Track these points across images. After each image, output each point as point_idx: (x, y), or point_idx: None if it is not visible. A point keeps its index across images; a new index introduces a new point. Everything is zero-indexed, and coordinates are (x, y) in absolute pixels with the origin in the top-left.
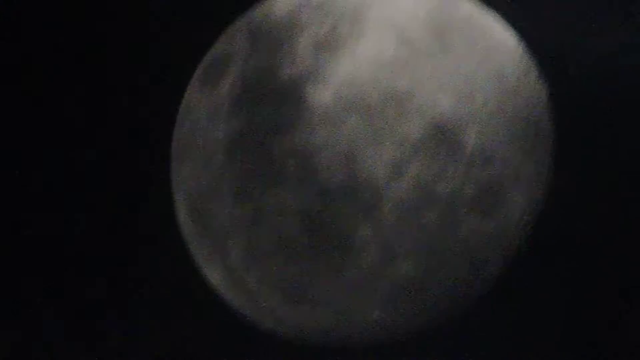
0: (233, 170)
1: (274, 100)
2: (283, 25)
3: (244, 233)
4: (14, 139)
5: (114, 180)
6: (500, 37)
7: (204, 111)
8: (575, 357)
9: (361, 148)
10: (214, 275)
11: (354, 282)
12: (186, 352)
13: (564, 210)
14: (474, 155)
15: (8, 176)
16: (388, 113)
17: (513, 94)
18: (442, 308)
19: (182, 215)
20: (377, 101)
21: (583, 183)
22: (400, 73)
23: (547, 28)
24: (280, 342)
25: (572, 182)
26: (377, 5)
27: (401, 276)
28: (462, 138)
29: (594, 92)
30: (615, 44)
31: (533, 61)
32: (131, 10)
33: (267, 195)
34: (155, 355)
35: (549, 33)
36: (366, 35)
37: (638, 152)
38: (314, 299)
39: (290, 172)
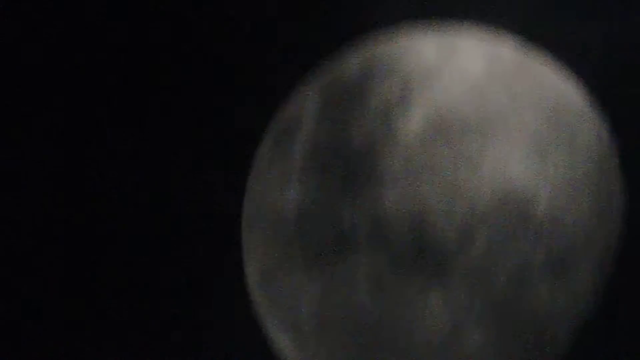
0: (303, 238)
1: (344, 166)
2: (354, 88)
3: (314, 303)
4: None
5: (187, 247)
6: (572, 98)
7: (274, 177)
8: None
9: (432, 212)
10: (284, 346)
11: (423, 350)
12: None
13: (635, 279)
14: (544, 224)
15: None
16: (459, 176)
17: (584, 159)
18: None
19: (252, 280)
20: (447, 164)
21: None
22: (470, 136)
23: (621, 89)
24: None
25: None
26: (450, 64)
27: (469, 346)
28: (532, 205)
29: None
30: None
31: (605, 124)
32: (198, 75)
33: (338, 263)
34: None
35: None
36: (436, 95)
37: None
38: None
39: (361, 240)
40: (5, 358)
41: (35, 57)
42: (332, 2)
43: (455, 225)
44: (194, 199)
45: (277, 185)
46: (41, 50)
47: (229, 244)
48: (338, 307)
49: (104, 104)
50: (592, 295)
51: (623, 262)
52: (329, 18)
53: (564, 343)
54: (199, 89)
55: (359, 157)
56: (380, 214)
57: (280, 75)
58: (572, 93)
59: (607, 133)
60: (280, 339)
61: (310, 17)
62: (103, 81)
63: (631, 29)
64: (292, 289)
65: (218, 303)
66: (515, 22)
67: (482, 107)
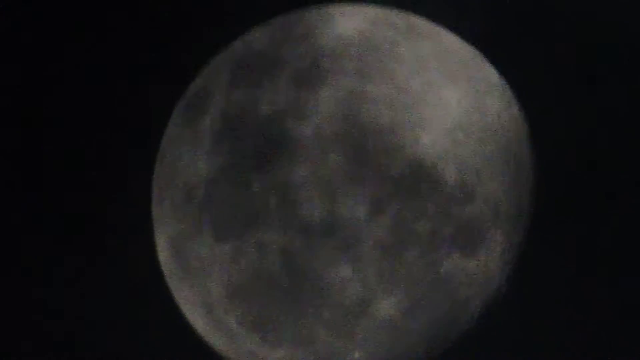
0: (214, 207)
1: (254, 137)
2: (264, 60)
3: (224, 271)
4: None
5: (94, 219)
6: (481, 71)
7: (185, 147)
8: None
9: (342, 185)
10: (194, 315)
11: (334, 322)
12: None
13: (545, 247)
14: (454, 192)
15: None
16: (369, 149)
17: (494, 130)
18: (422, 348)
19: (163, 254)
20: (358, 137)
21: (564, 219)
22: (381, 109)
23: (528, 64)
24: None
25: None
26: (358, 39)
27: (381, 315)
28: (443, 174)
29: (575, 128)
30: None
31: (514, 96)
32: (112, 45)
33: (247, 233)
34: None
35: (531, 67)
36: (347, 71)
37: (619, 187)
38: (293, 339)
39: (271, 209)
40: None
41: None
42: None
43: (366, 196)
44: (102, 173)
45: (187, 157)
46: None
47: (140, 218)
48: (248, 277)
49: None
50: (502, 264)
51: (533, 232)
52: None
53: (475, 311)
54: (108, 63)
55: (269, 127)
56: (290, 184)
57: (191, 48)
58: (482, 66)
59: (517, 105)
60: (192, 309)
61: None
62: None
63: None
64: (203, 260)
65: (130, 277)
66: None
67: (395, 79)
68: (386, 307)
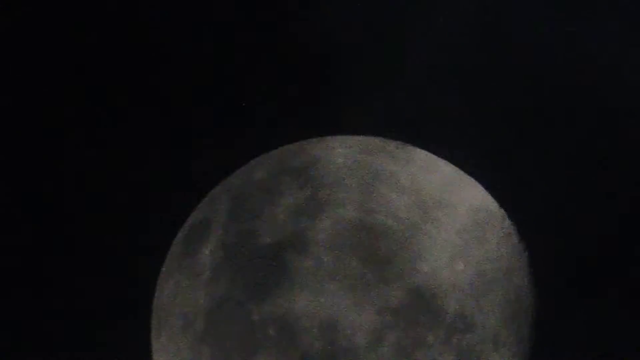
0: (213, 338)
1: (254, 267)
2: (263, 191)
3: None
4: None
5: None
6: (481, 201)
7: (185, 278)
8: None
9: (341, 314)
10: None
11: None
12: None
13: None
14: (454, 322)
15: None
16: (368, 279)
17: (493, 260)
18: None
19: None
20: (357, 267)
21: (563, 349)
22: (380, 239)
23: (527, 194)
24: None
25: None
26: (356, 171)
27: None
28: (442, 304)
29: (573, 257)
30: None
31: (513, 226)
32: (113, 179)
33: None
34: None
35: (529, 199)
36: (345, 201)
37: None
38: None
39: (270, 339)
40: None
41: None
42: (248, 117)
43: (365, 327)
44: (101, 301)
45: (186, 288)
46: None
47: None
48: None
49: None
50: None
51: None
52: (243, 129)
53: None
54: (110, 191)
55: (268, 258)
56: (290, 316)
57: (193, 178)
58: (482, 196)
59: (515, 233)
60: None
61: (224, 125)
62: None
63: None
64: None
65: None
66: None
67: (394, 209)
68: None
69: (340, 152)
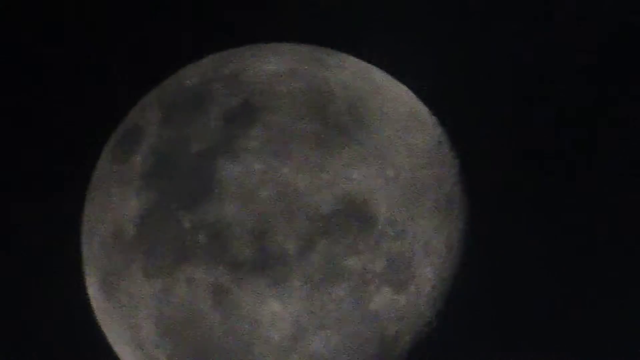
0: (144, 244)
1: (185, 174)
2: (194, 98)
3: (154, 308)
4: None
5: (24, 256)
6: (413, 109)
7: (115, 185)
8: None
9: (272, 222)
10: (125, 351)
11: (264, 357)
12: None
13: (475, 285)
14: (385, 229)
15: None
16: (299, 186)
17: (424, 167)
18: None
19: (93, 290)
20: (288, 174)
21: (493, 256)
22: (311, 145)
23: (458, 100)
24: None
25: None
26: (288, 78)
27: (311, 351)
28: (373, 211)
29: (504, 164)
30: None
31: (445, 134)
32: (49, 78)
33: (177, 270)
34: None
35: (460, 105)
36: (277, 107)
37: (552, 224)
38: None
39: (201, 246)
40: None
41: None
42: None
43: (295, 233)
44: (32, 209)
45: (117, 195)
46: None
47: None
48: (179, 314)
49: None
50: (432, 300)
51: (463, 268)
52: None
53: (405, 346)
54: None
55: (199, 165)
56: (220, 223)
57: (122, 86)
58: (413, 103)
59: (446, 140)
60: (122, 345)
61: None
62: None
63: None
64: (133, 297)
65: (61, 315)
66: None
67: (323, 119)
68: (317, 342)
69: (272, 59)
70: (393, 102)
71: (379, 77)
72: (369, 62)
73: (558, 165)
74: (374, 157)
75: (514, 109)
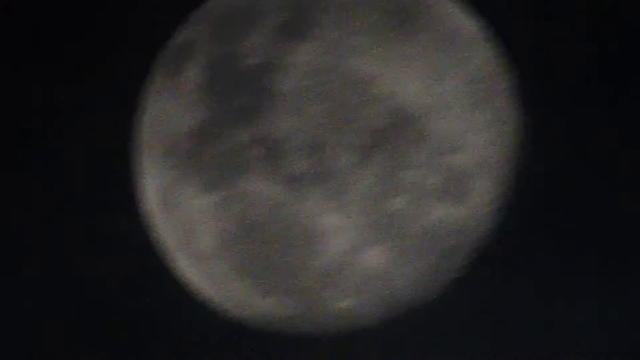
0: (199, 158)
1: (237, 89)
2: (244, 13)
3: (212, 222)
4: None
5: (78, 173)
6: (464, 23)
7: (168, 100)
8: (542, 347)
9: (325, 136)
10: (184, 264)
11: (322, 271)
12: (156, 341)
13: (533, 196)
14: (439, 143)
15: None
16: (352, 101)
17: (479, 80)
18: (410, 296)
19: (149, 204)
20: (339, 89)
21: (549, 169)
22: (363, 60)
23: (511, 14)
24: (250, 331)
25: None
26: None
27: (369, 264)
28: (427, 125)
29: (562, 77)
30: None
31: (497, 48)
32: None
33: (234, 184)
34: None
35: (513, 19)
36: (328, 22)
37: (607, 142)
38: (282, 288)
39: (257, 160)
40: None
41: None
42: None
43: (350, 147)
44: (86, 125)
45: (171, 110)
46: None
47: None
48: (236, 227)
49: None
50: (490, 212)
51: (520, 180)
52: None
53: (464, 258)
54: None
55: (252, 80)
56: (275, 137)
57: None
58: (465, 18)
59: (499, 56)
60: (181, 258)
61: None
62: None
63: None
64: (191, 210)
65: (117, 230)
66: None
67: (375, 32)
68: (374, 256)
69: None
70: (445, 17)
71: None
72: None
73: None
74: (428, 70)
75: (575, 23)
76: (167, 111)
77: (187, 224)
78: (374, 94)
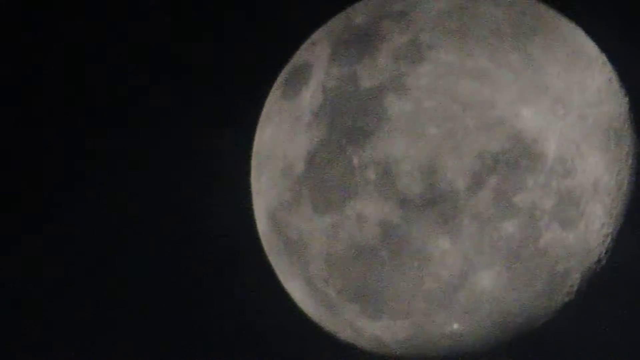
0: (313, 180)
1: (354, 111)
2: (363, 35)
3: (323, 244)
4: None
5: (194, 189)
6: (582, 46)
7: (285, 120)
8: None
9: (441, 159)
10: (293, 286)
11: (433, 294)
12: None
13: None
14: (554, 166)
15: None
16: (468, 123)
17: (594, 104)
18: (521, 320)
19: (262, 225)
20: (457, 112)
21: None
22: (481, 83)
23: (629, 38)
24: (359, 354)
25: None
26: (457, 15)
27: (480, 288)
28: (543, 149)
29: None
30: None
31: (614, 72)
32: (215, 18)
33: (346, 206)
34: None
35: (631, 43)
36: (446, 45)
37: None
38: (392, 311)
39: (370, 183)
40: None
41: None
42: None
43: (465, 170)
44: (203, 144)
45: (287, 130)
46: None
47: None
48: (347, 249)
49: None
50: (602, 237)
51: (633, 206)
52: None
53: (574, 283)
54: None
55: (368, 102)
56: (389, 160)
57: (293, 23)
58: (583, 41)
59: (617, 80)
60: (291, 281)
61: None
62: None
63: None
64: (302, 232)
65: (230, 250)
66: None
67: (493, 54)
68: (485, 279)
69: None
70: (562, 39)
71: (548, 13)
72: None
73: None
74: (543, 94)
75: None
76: (283, 132)
77: (298, 246)
78: (491, 116)
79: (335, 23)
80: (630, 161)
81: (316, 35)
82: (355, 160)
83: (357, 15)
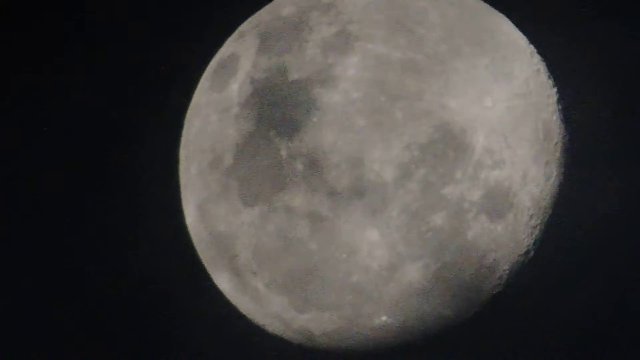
0: (241, 172)
1: (282, 102)
2: (291, 27)
3: (252, 236)
4: None
5: (121, 183)
6: (510, 38)
7: (213, 113)
8: None
9: (369, 150)
10: (222, 279)
11: (361, 286)
12: (193, 356)
13: (572, 213)
14: (483, 158)
15: None
16: (396, 115)
17: (522, 96)
18: (449, 312)
19: (190, 217)
20: (385, 103)
21: (591, 185)
22: (409, 74)
23: (556, 29)
24: (287, 346)
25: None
26: (385, 6)
27: (409, 280)
28: (471, 140)
29: (604, 95)
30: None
31: (543, 62)
32: (138, 10)
33: (275, 198)
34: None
35: (559, 34)
36: (374, 36)
37: None
38: (320, 303)
39: (299, 175)
40: None
41: None
42: None
43: (393, 162)
44: (131, 136)
45: (215, 123)
46: None
47: (165, 184)
48: (275, 241)
49: None
50: (530, 229)
51: (561, 197)
52: None
53: (504, 276)
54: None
55: (297, 93)
56: (318, 151)
57: (219, 14)
58: (511, 32)
59: (545, 71)
60: (219, 272)
61: None
62: None
63: None
64: (230, 224)
65: (158, 242)
66: None
67: (420, 45)
68: (414, 271)
69: None
70: (490, 31)
71: (477, 6)
72: None
73: None
74: (471, 86)
75: (614, 36)
76: (211, 124)
77: (227, 238)
78: (419, 109)
79: (263, 14)
80: (558, 152)
81: (244, 26)
82: (284, 152)
83: (285, 7)
